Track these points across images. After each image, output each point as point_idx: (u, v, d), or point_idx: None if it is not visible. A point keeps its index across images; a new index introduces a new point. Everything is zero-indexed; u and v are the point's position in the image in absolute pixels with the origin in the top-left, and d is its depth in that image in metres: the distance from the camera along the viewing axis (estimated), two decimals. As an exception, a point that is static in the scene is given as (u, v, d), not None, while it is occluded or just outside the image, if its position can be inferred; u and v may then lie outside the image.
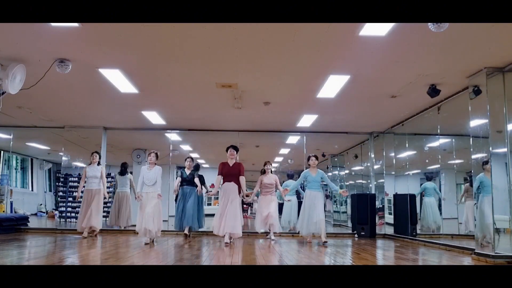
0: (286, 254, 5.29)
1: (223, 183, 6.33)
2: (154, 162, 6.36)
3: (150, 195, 6.19)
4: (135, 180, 8.49)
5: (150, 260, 4.66)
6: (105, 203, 8.91)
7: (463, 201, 7.33)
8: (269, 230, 7.22)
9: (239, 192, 6.31)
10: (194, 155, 11.84)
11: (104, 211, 8.90)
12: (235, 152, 6.43)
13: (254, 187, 7.64)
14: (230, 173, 6.29)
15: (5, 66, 4.63)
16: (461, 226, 7.21)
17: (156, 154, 6.45)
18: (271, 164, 7.50)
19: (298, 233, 7.79)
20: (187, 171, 7.56)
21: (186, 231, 7.24)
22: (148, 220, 6.02)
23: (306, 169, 7.02)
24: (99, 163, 7.48)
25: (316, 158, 6.79)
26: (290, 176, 9.66)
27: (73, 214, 9.58)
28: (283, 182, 10.66)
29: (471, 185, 6.96)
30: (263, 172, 7.45)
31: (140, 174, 6.33)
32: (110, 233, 8.07)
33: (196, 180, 7.47)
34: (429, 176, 8.08)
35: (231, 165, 6.35)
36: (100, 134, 8.74)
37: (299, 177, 7.20)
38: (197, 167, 7.86)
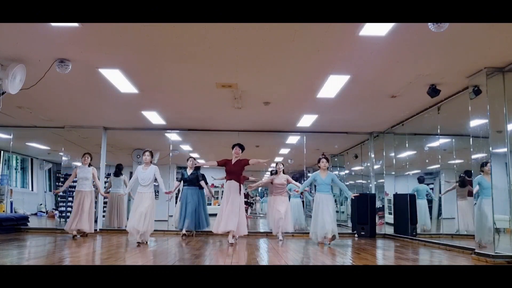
0: (286, 254, 5.28)
1: (226, 181, 6.45)
2: (150, 161, 6.23)
3: (144, 196, 6.11)
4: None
5: (148, 260, 4.66)
6: (104, 203, 8.96)
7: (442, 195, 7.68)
8: (278, 230, 7.17)
9: (240, 190, 6.40)
10: (194, 155, 11.82)
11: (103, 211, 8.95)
12: (241, 151, 6.50)
13: (260, 181, 7.62)
14: (232, 171, 6.41)
15: (5, 66, 4.63)
16: (458, 226, 7.22)
17: (151, 152, 6.30)
18: (283, 165, 7.45)
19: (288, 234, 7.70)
20: (189, 171, 7.62)
21: (184, 231, 7.28)
22: (139, 220, 5.93)
23: (314, 170, 6.87)
24: (90, 165, 7.30)
25: (327, 160, 6.53)
26: (295, 180, 9.67)
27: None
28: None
29: (461, 186, 7.04)
30: (275, 172, 7.48)
31: (134, 174, 6.28)
32: (110, 233, 8.06)
33: (202, 183, 7.60)
34: (421, 179, 8.24)
35: (233, 162, 6.44)
36: (100, 134, 8.73)
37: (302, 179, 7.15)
38: (198, 166, 7.86)
